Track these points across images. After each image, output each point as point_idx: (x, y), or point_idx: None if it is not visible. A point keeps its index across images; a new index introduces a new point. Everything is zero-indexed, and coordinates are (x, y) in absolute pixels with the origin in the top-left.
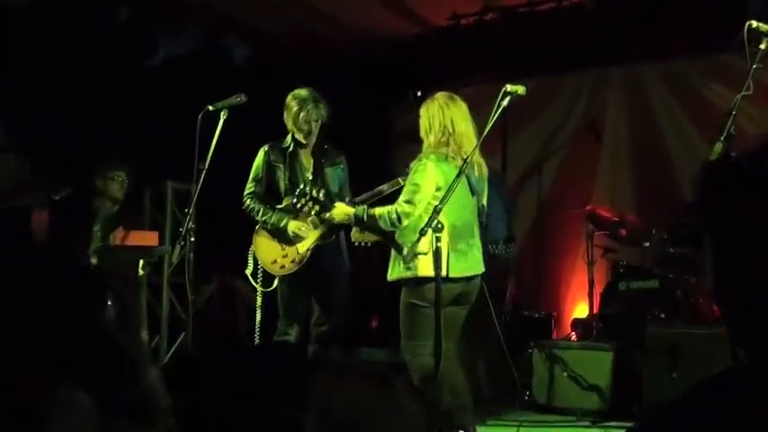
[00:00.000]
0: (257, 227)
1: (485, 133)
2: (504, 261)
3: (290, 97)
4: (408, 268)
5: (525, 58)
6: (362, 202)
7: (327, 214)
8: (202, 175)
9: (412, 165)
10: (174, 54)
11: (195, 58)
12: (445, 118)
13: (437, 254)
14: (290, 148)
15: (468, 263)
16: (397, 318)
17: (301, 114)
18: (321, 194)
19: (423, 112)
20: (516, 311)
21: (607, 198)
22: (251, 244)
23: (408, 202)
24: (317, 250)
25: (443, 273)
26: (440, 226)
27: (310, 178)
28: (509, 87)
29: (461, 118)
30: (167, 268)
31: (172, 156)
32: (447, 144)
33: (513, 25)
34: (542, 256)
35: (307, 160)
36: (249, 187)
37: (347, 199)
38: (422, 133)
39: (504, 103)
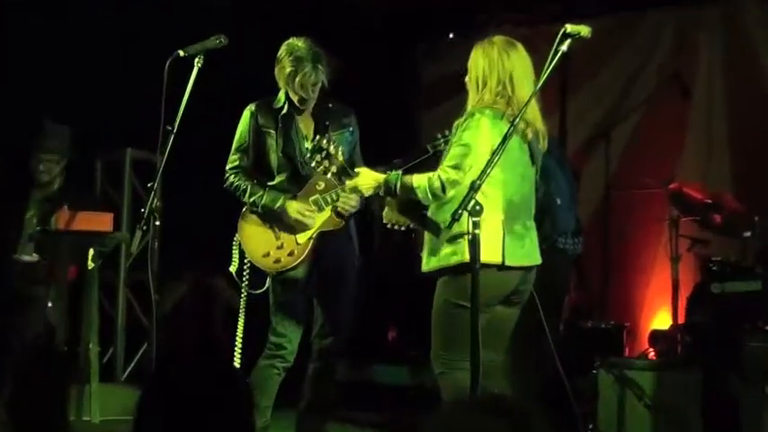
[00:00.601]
0: (244, 210)
1: (538, 87)
2: (568, 258)
3: (283, 50)
4: (454, 253)
5: None
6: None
7: (349, 182)
8: (171, 140)
9: (458, 122)
10: None
11: None
12: (504, 69)
13: (473, 243)
14: (284, 110)
15: (525, 249)
16: (420, 326)
17: (297, 78)
18: (340, 153)
19: (475, 58)
20: (576, 321)
21: (697, 174)
22: (236, 232)
23: (455, 167)
24: (320, 240)
25: (498, 259)
26: (478, 208)
27: (308, 147)
28: (569, 28)
29: (524, 72)
30: (125, 261)
31: (131, 115)
32: (506, 104)
33: None
34: (610, 249)
35: (305, 125)
36: (233, 159)
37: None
38: (471, 85)
39: (563, 48)
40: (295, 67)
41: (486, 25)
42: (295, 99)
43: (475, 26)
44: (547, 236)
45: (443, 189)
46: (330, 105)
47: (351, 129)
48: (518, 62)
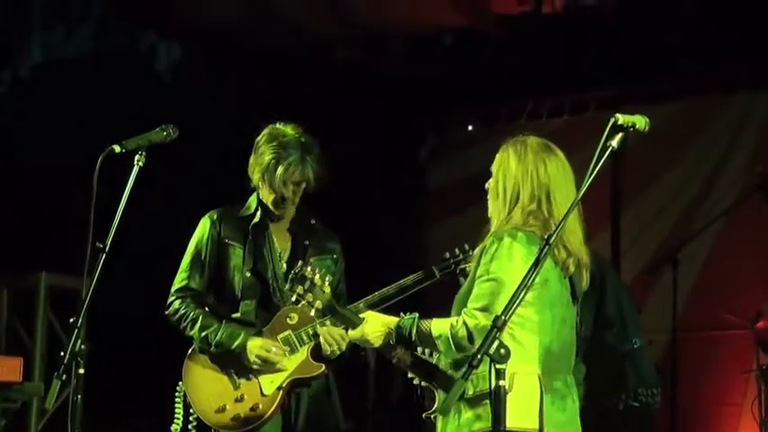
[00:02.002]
0: (191, 350)
1: (580, 195)
2: (650, 414)
3: (264, 135)
4: (478, 417)
5: (650, 67)
6: (372, 306)
7: (353, 332)
8: (101, 262)
9: (483, 247)
10: (56, 57)
11: (90, 64)
12: (540, 183)
13: (497, 397)
14: (255, 218)
15: (567, 413)
16: None
17: (278, 169)
18: (327, 284)
19: (504, 162)
20: None
21: None
22: (180, 379)
23: (485, 309)
24: (294, 397)
25: (534, 426)
26: (503, 352)
27: (284, 270)
28: (620, 118)
29: (565, 187)
30: (36, 421)
31: (47, 229)
32: (542, 223)
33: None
34: (678, 407)
35: (280, 241)
36: (181, 279)
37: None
38: (495, 197)
39: (613, 144)
40: (277, 155)
41: (516, 113)
42: (269, 200)
43: (501, 116)
44: (631, 390)
45: (470, 339)
46: (313, 222)
47: (334, 257)
48: (558, 174)
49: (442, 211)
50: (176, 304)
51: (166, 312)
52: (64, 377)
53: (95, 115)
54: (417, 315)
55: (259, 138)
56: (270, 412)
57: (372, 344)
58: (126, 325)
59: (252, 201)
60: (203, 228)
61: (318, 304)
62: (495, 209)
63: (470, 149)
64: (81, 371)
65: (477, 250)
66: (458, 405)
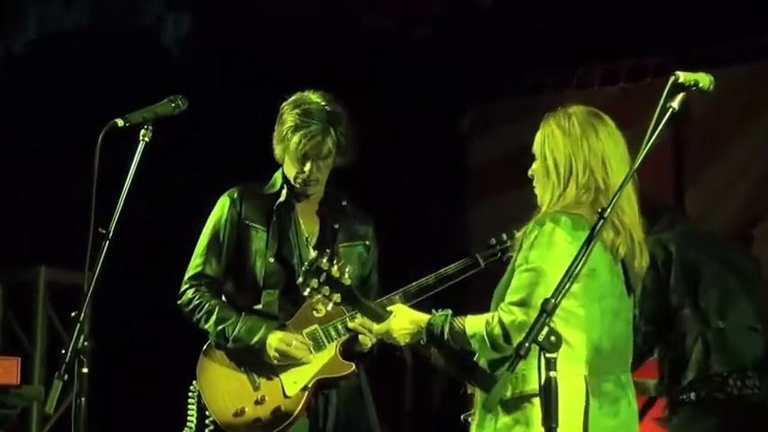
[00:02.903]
0: (206, 346)
1: (636, 165)
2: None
3: (288, 103)
4: (516, 422)
5: (715, 28)
6: (409, 297)
7: (378, 326)
8: (105, 251)
9: (525, 230)
10: (53, 30)
11: (89, 38)
12: (593, 152)
13: (547, 392)
14: (281, 198)
15: (620, 419)
16: None
17: (293, 140)
18: (347, 274)
19: (548, 137)
20: None
21: None
22: (194, 377)
23: (522, 303)
24: (322, 399)
25: None
26: (554, 339)
27: (311, 254)
28: (682, 76)
29: (617, 154)
30: (36, 427)
31: (45, 218)
32: (592, 200)
33: None
34: None
35: (308, 224)
36: (195, 265)
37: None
38: (543, 176)
39: (674, 105)
40: (297, 123)
41: (563, 81)
42: (291, 176)
43: (549, 83)
44: (716, 379)
45: (507, 338)
46: (344, 204)
47: (366, 243)
48: (610, 141)
49: (486, 190)
50: (190, 293)
51: (179, 302)
52: (66, 377)
53: (95, 95)
54: (450, 312)
55: (283, 105)
56: (293, 416)
57: (399, 342)
58: (133, 319)
59: (277, 177)
60: (222, 207)
61: (336, 298)
62: (546, 190)
63: (516, 120)
64: (84, 370)
65: (519, 234)
66: (493, 406)
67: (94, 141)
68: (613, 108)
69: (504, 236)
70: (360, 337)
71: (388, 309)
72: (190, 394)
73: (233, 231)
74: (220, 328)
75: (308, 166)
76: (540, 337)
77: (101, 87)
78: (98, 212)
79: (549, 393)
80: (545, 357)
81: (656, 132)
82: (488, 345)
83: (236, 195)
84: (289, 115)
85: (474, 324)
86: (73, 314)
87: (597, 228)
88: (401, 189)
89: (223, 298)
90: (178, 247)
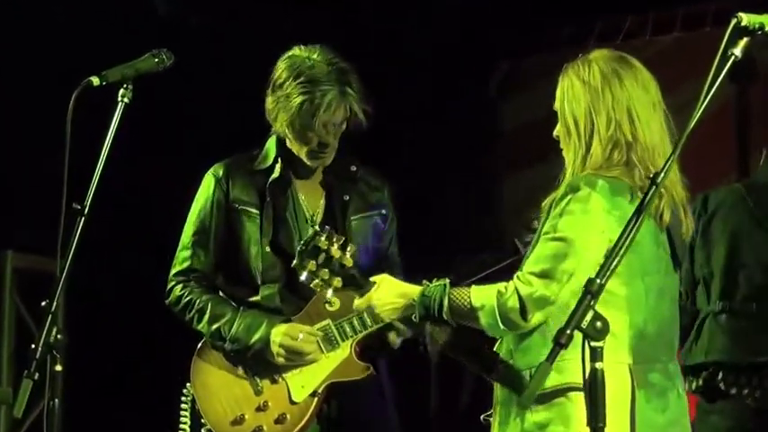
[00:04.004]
0: (201, 344)
1: (692, 122)
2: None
3: (283, 68)
4: (548, 422)
5: None
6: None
7: (358, 300)
8: (78, 231)
9: (553, 198)
10: None
11: None
12: (616, 96)
13: (593, 387)
14: (275, 173)
15: (670, 413)
16: None
17: (318, 114)
18: (348, 254)
19: (566, 91)
20: None
21: None
22: (186, 380)
23: (544, 274)
24: (335, 405)
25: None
26: (599, 326)
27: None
28: (745, 19)
29: (646, 102)
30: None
31: (14, 198)
32: (625, 160)
33: None
34: None
35: (310, 199)
36: (182, 258)
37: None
38: (564, 136)
39: (736, 52)
40: (310, 94)
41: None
42: (303, 152)
43: (593, 33)
44: (712, 370)
45: (523, 312)
46: (354, 168)
47: (383, 211)
48: (637, 88)
49: (519, 159)
50: (177, 290)
51: (167, 302)
52: (36, 377)
53: (68, 56)
54: (449, 281)
55: (278, 72)
56: (301, 425)
57: (382, 318)
58: (115, 310)
59: (270, 148)
60: (207, 188)
61: (337, 282)
62: (569, 152)
63: (552, 79)
64: (58, 368)
65: (545, 204)
66: (522, 403)
67: (66, 104)
68: (667, 60)
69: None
70: (390, 334)
71: (372, 279)
72: (183, 399)
73: (221, 217)
74: (215, 327)
75: (331, 136)
76: (584, 323)
77: (75, 47)
78: (71, 186)
79: (595, 388)
80: (589, 346)
81: (715, 86)
82: (499, 319)
83: (221, 173)
84: (293, 86)
85: (482, 294)
86: (44, 304)
87: (649, 196)
88: (422, 159)
89: (217, 292)
90: (165, 225)
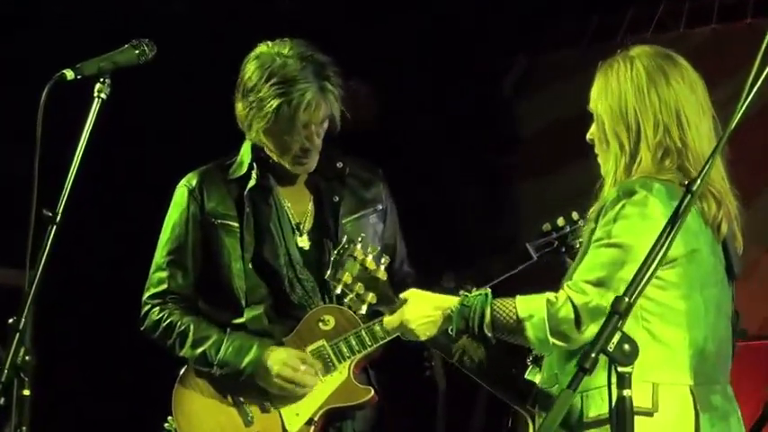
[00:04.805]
0: (183, 371)
1: (732, 126)
2: None
3: (253, 68)
4: None
5: None
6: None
7: (389, 317)
8: (49, 240)
9: (602, 205)
10: None
11: None
12: (663, 97)
13: (620, 417)
14: (252, 181)
15: None
16: None
17: (298, 116)
18: (382, 265)
19: (606, 91)
20: None
21: None
22: (168, 411)
23: (600, 283)
24: (331, 425)
25: None
26: (627, 349)
27: (308, 248)
28: None
29: (694, 103)
30: None
31: None
32: (677, 165)
33: None
34: None
35: (296, 205)
36: (157, 280)
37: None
38: (603, 142)
39: None
40: (286, 94)
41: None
42: (284, 159)
43: (620, 27)
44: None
45: (578, 322)
46: (340, 165)
47: (379, 207)
48: (684, 87)
49: (535, 163)
50: (155, 314)
51: (142, 328)
52: (2, 401)
53: (40, 45)
54: (490, 291)
55: (247, 74)
56: None
57: (417, 336)
58: (88, 327)
59: (244, 154)
60: (180, 201)
61: (372, 298)
62: (608, 159)
63: (575, 77)
64: (26, 392)
65: (592, 212)
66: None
67: (37, 99)
68: (703, 55)
69: (562, 220)
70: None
71: (402, 296)
72: (167, 429)
73: (197, 232)
74: (200, 351)
75: (309, 141)
76: (611, 346)
77: (48, 34)
78: (42, 190)
79: (623, 418)
80: (616, 372)
81: (758, 85)
82: (548, 331)
83: (194, 183)
84: (266, 89)
85: (530, 305)
86: (10, 321)
87: (683, 206)
88: (431, 164)
89: (198, 315)
90: (144, 232)
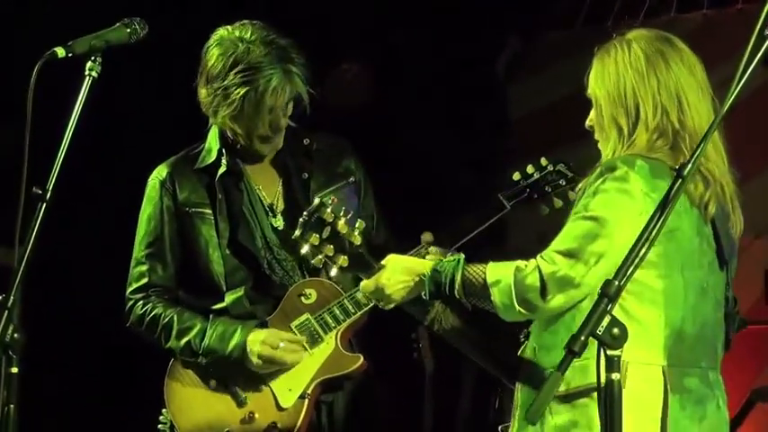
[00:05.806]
0: (170, 365)
1: (725, 109)
2: None
3: (214, 54)
4: (573, 424)
5: None
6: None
7: (366, 281)
8: (39, 217)
9: (587, 182)
10: None
11: None
12: (662, 80)
13: (608, 399)
14: (222, 167)
15: (706, 424)
16: None
17: (264, 101)
18: (357, 231)
19: (603, 76)
20: None
21: None
22: (162, 403)
23: (571, 254)
24: (325, 408)
25: None
26: (616, 333)
27: (282, 228)
28: None
29: (694, 85)
30: None
31: None
32: (670, 145)
33: None
34: None
35: (267, 186)
36: (138, 274)
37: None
38: (603, 129)
39: None
40: (252, 82)
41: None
42: (251, 140)
43: (612, 9)
44: None
45: (543, 291)
46: (307, 142)
47: (351, 179)
48: (683, 70)
49: (529, 147)
50: (138, 309)
51: (128, 324)
52: None
53: (27, 25)
54: (463, 256)
55: (210, 61)
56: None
57: (391, 299)
58: (78, 305)
59: (211, 140)
60: (153, 195)
61: (343, 260)
62: (608, 143)
63: (568, 59)
64: (14, 369)
65: (579, 186)
66: (539, 406)
67: (27, 78)
68: (694, 40)
69: (531, 167)
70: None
71: (382, 262)
72: (160, 426)
73: (173, 223)
74: (185, 341)
75: (275, 121)
76: (600, 330)
77: (35, 15)
78: (32, 168)
79: (610, 400)
80: (605, 355)
81: (749, 70)
82: (515, 298)
83: (165, 175)
84: (231, 78)
85: (498, 271)
86: None
87: (675, 190)
88: (422, 147)
89: (180, 305)
90: (134, 211)
